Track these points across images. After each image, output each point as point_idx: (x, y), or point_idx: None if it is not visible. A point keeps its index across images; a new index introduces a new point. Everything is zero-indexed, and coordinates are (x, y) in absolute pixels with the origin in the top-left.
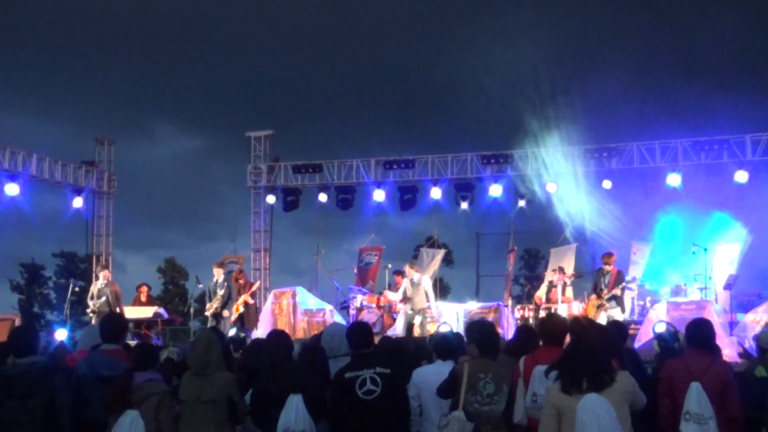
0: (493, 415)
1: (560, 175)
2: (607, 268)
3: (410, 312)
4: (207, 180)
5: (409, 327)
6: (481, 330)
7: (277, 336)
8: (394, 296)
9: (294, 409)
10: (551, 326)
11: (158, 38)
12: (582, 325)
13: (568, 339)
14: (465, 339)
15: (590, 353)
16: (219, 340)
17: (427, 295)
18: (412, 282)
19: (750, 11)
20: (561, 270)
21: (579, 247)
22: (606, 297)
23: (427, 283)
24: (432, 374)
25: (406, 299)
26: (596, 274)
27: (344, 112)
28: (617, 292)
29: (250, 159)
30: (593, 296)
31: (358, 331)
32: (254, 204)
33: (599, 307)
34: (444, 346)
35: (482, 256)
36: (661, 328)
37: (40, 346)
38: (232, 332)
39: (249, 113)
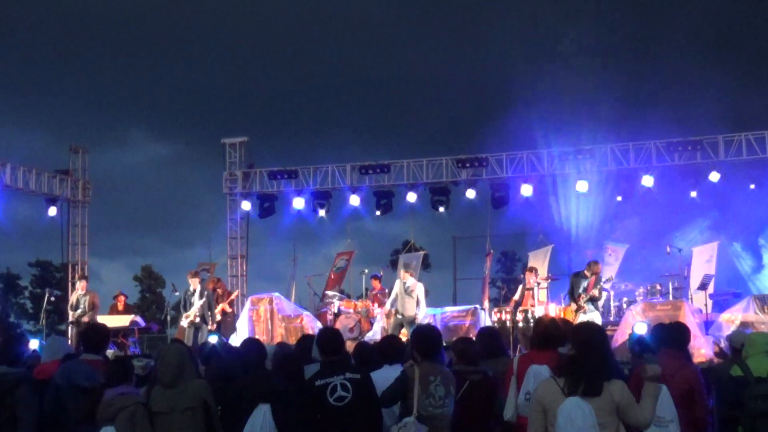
0: (445, 417)
1: (536, 178)
2: (588, 275)
3: (399, 317)
4: (182, 187)
5: (396, 331)
6: (424, 335)
7: (249, 343)
8: (387, 305)
9: (261, 419)
10: (546, 328)
11: (131, 45)
12: (592, 331)
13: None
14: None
15: (599, 359)
16: (187, 350)
17: (418, 303)
18: (405, 287)
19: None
20: (534, 271)
21: (554, 249)
22: (585, 299)
23: (420, 291)
24: (381, 379)
25: (393, 303)
26: (574, 278)
27: (319, 117)
28: (595, 292)
29: (226, 166)
30: (571, 303)
31: (327, 337)
32: (230, 210)
33: (578, 310)
34: (392, 347)
35: (459, 260)
36: (641, 329)
37: (22, 355)
38: (213, 339)
39: (224, 120)
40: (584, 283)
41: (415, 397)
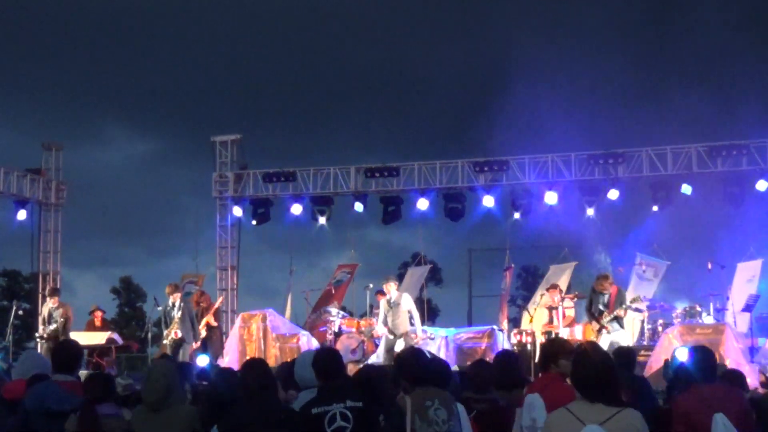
0: None
1: (562, 185)
2: (604, 287)
3: (390, 337)
4: (167, 189)
5: (391, 354)
6: (409, 358)
7: (253, 363)
8: (380, 329)
9: None
10: (543, 348)
11: (109, 33)
12: (584, 350)
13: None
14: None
15: (594, 378)
16: (176, 370)
17: (411, 316)
18: (389, 302)
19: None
20: (557, 288)
21: (579, 266)
22: (607, 319)
23: (407, 302)
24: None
25: (385, 322)
26: (592, 293)
27: (321, 114)
28: (620, 312)
29: (215, 166)
30: (592, 322)
31: (325, 359)
32: (220, 216)
33: (600, 330)
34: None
35: (475, 275)
36: (683, 355)
37: None
38: (203, 361)
39: (214, 115)
40: (603, 299)
41: (408, 428)
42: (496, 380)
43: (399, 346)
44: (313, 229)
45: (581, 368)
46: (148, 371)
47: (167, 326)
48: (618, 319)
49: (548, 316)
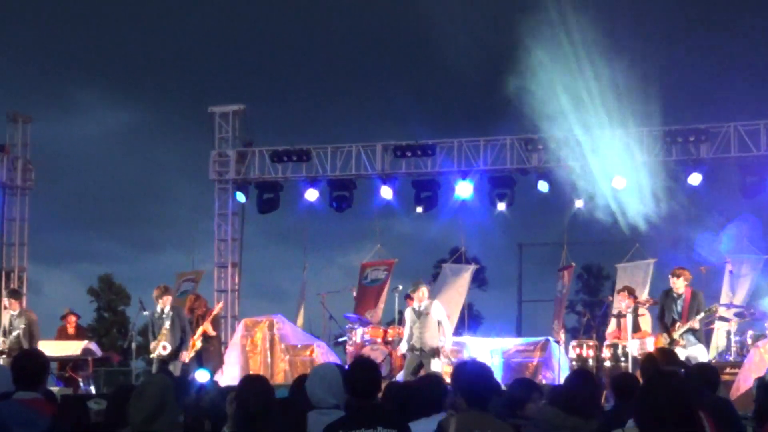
0: None
1: (631, 167)
2: (677, 287)
3: (416, 354)
4: (154, 171)
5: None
6: (470, 375)
7: (251, 381)
8: (402, 347)
9: None
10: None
11: None
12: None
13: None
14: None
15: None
16: (174, 387)
17: (440, 329)
18: (417, 311)
19: None
20: (629, 292)
21: (658, 264)
22: (679, 331)
23: (439, 311)
24: None
25: (410, 339)
26: (663, 298)
27: (340, 81)
28: (695, 324)
29: (214, 143)
30: (663, 334)
31: (363, 373)
32: (219, 203)
33: (671, 344)
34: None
35: (526, 276)
36: None
37: None
38: (202, 377)
39: (212, 81)
40: (678, 304)
41: None
42: (568, 404)
43: (435, 365)
44: (330, 219)
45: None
46: (141, 386)
47: (154, 337)
48: (694, 332)
49: (615, 325)
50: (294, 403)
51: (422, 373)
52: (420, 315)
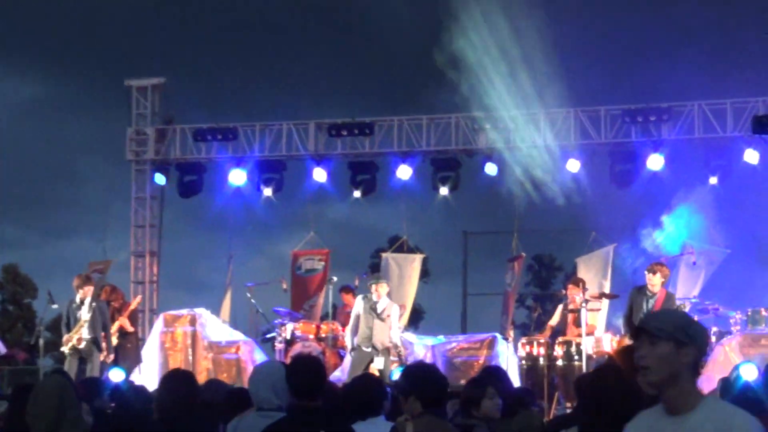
0: None
1: (587, 149)
2: (653, 284)
3: (367, 350)
4: (63, 150)
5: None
6: (425, 376)
7: (175, 376)
8: (348, 340)
9: None
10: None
11: None
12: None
13: None
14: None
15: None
16: (72, 386)
17: (391, 327)
18: (375, 309)
19: None
20: (580, 284)
21: (619, 251)
22: None
23: (396, 315)
24: None
25: (354, 331)
26: (634, 295)
27: (269, 53)
28: None
29: (131, 119)
30: (627, 335)
31: (306, 371)
32: (136, 186)
33: None
34: (369, 393)
35: (472, 266)
36: (749, 373)
37: None
38: (116, 376)
39: (129, 53)
40: (649, 304)
41: None
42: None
43: (379, 363)
44: (258, 204)
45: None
46: (36, 390)
47: (69, 330)
48: None
49: (565, 321)
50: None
51: (372, 370)
52: (378, 315)
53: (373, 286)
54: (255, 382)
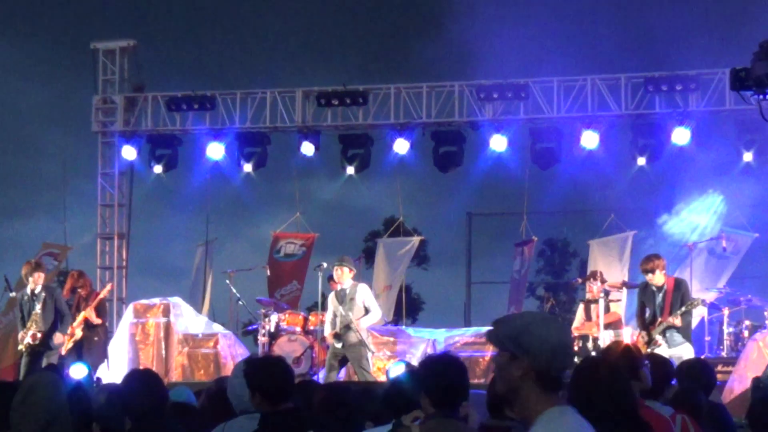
0: None
1: (605, 120)
2: (655, 281)
3: (338, 348)
4: (20, 118)
5: (335, 372)
6: (437, 371)
7: (140, 378)
8: (327, 329)
9: None
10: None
11: None
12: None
13: None
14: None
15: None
16: (64, 388)
17: (367, 313)
18: (340, 295)
19: None
20: (598, 277)
21: (639, 238)
22: (659, 329)
23: (366, 293)
24: None
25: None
26: (640, 293)
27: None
28: (675, 321)
29: (97, 86)
30: (642, 331)
31: (268, 372)
32: (102, 160)
33: (649, 343)
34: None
35: (476, 252)
36: None
37: None
38: (78, 372)
39: (95, 12)
40: (657, 299)
41: None
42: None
43: (354, 362)
44: (238, 181)
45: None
46: (25, 388)
47: (24, 325)
48: (677, 329)
49: (584, 314)
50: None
51: (347, 371)
52: (344, 300)
53: (336, 271)
54: (235, 383)
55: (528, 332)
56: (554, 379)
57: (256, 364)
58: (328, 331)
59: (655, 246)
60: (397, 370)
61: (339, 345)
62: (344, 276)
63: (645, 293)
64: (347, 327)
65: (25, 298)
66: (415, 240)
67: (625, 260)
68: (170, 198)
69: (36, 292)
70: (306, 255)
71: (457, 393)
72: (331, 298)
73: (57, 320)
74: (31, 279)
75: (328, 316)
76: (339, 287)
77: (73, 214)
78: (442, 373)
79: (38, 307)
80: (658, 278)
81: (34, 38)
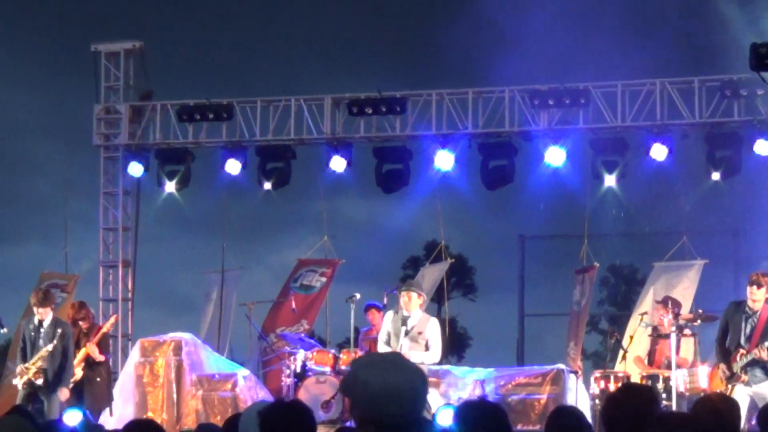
0: None
1: (678, 130)
2: (756, 299)
3: None
4: (11, 130)
5: None
6: (471, 418)
7: (138, 427)
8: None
9: None
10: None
11: None
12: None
13: None
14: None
15: None
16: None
17: (427, 349)
18: (406, 323)
19: None
20: (671, 304)
21: (708, 268)
22: (742, 362)
23: (435, 330)
24: None
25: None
26: (730, 313)
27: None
28: (763, 353)
29: (98, 94)
30: (720, 364)
31: (282, 420)
32: (105, 178)
33: (731, 379)
34: None
35: (530, 280)
36: None
37: None
38: (72, 419)
39: (98, 10)
40: (751, 321)
41: None
42: None
43: (434, 399)
44: (258, 201)
45: None
46: None
47: (25, 359)
48: (762, 364)
49: (650, 350)
50: None
51: None
52: (408, 331)
53: (403, 297)
54: (245, 428)
55: (351, 377)
56: (389, 426)
57: (272, 412)
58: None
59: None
60: (446, 417)
61: None
62: (412, 303)
63: (735, 314)
64: None
65: (31, 326)
66: (446, 263)
67: (690, 295)
68: (182, 221)
69: (45, 325)
70: (324, 287)
71: None
72: (391, 319)
73: (64, 365)
74: (39, 311)
75: (380, 343)
76: (403, 314)
77: (72, 238)
78: (476, 422)
79: (49, 345)
80: (759, 296)
81: (28, 40)
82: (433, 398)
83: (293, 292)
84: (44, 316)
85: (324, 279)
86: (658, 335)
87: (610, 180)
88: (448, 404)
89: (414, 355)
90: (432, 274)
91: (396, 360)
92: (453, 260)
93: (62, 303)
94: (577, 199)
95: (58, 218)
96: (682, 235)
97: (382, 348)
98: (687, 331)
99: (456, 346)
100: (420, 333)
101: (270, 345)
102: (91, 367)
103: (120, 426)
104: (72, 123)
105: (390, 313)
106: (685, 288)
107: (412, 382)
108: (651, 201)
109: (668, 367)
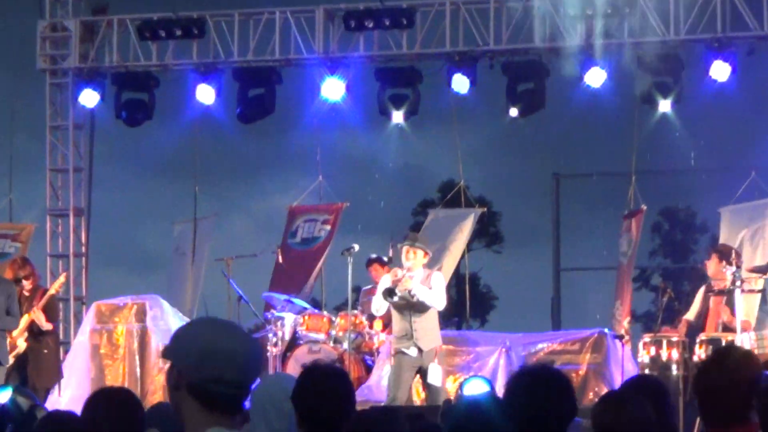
0: None
1: (742, 45)
2: None
3: (412, 354)
4: None
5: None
6: (534, 391)
7: (108, 401)
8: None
9: None
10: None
11: None
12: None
13: None
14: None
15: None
16: None
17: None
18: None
19: None
20: (728, 255)
21: None
22: None
23: (441, 285)
24: None
25: (387, 321)
26: None
27: None
28: None
29: (43, 8)
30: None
31: (322, 389)
32: (52, 109)
33: None
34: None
35: (567, 228)
36: None
37: None
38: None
39: None
40: None
41: None
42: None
43: (434, 375)
44: (237, 135)
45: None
46: None
47: None
48: None
49: (700, 310)
50: None
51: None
52: (412, 292)
53: (409, 253)
54: (264, 399)
55: (178, 335)
56: (213, 393)
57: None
58: (379, 305)
59: None
60: (474, 388)
61: (414, 354)
62: (417, 260)
63: None
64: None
65: None
66: (476, 212)
67: (759, 239)
68: (145, 160)
69: None
70: (329, 236)
71: (561, 420)
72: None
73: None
74: None
75: (377, 305)
76: (407, 271)
77: (19, 185)
78: (540, 395)
79: None
80: None
81: None
82: (434, 373)
83: (296, 249)
84: None
85: (328, 227)
86: (716, 292)
87: (663, 105)
88: (476, 375)
89: (420, 291)
90: (461, 223)
91: (229, 322)
92: (484, 209)
93: (14, 254)
94: (623, 130)
95: (4, 156)
96: (750, 171)
97: (377, 305)
98: (749, 284)
99: (478, 308)
100: (425, 286)
101: (253, 309)
102: (36, 337)
103: (71, 407)
104: (10, 43)
105: (392, 272)
106: (753, 232)
107: (252, 346)
108: (712, 130)
109: (724, 331)
